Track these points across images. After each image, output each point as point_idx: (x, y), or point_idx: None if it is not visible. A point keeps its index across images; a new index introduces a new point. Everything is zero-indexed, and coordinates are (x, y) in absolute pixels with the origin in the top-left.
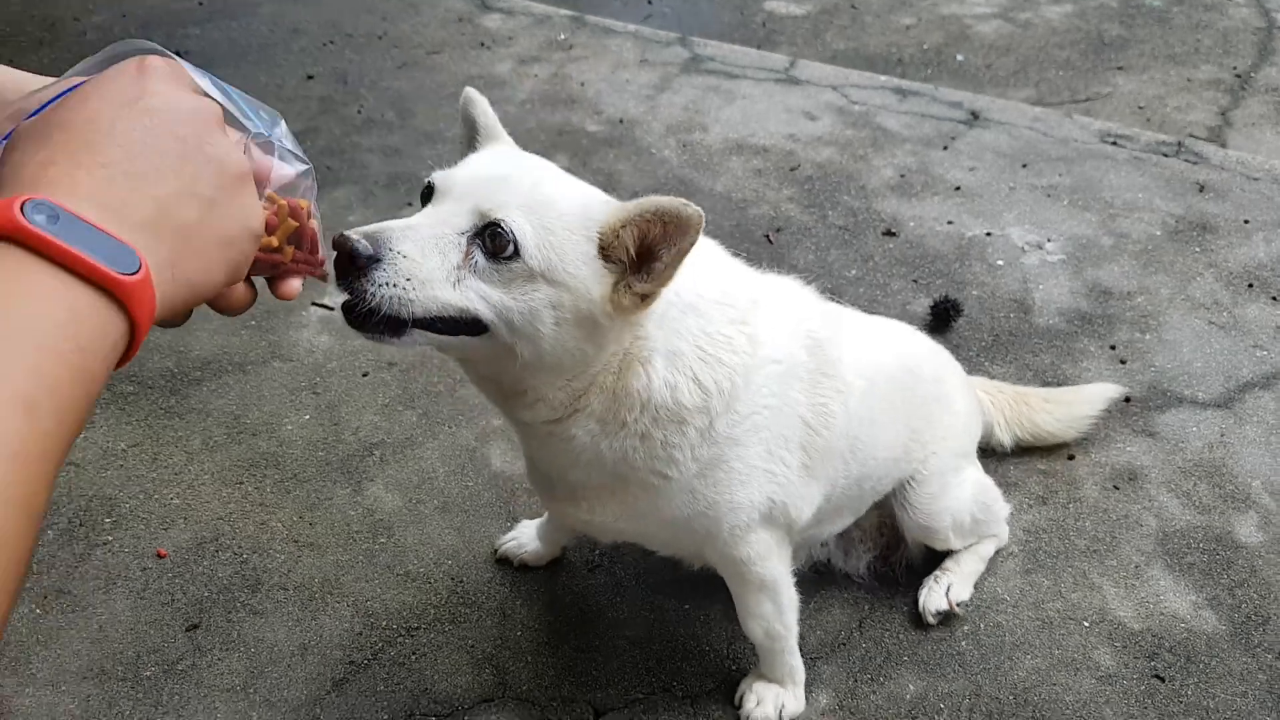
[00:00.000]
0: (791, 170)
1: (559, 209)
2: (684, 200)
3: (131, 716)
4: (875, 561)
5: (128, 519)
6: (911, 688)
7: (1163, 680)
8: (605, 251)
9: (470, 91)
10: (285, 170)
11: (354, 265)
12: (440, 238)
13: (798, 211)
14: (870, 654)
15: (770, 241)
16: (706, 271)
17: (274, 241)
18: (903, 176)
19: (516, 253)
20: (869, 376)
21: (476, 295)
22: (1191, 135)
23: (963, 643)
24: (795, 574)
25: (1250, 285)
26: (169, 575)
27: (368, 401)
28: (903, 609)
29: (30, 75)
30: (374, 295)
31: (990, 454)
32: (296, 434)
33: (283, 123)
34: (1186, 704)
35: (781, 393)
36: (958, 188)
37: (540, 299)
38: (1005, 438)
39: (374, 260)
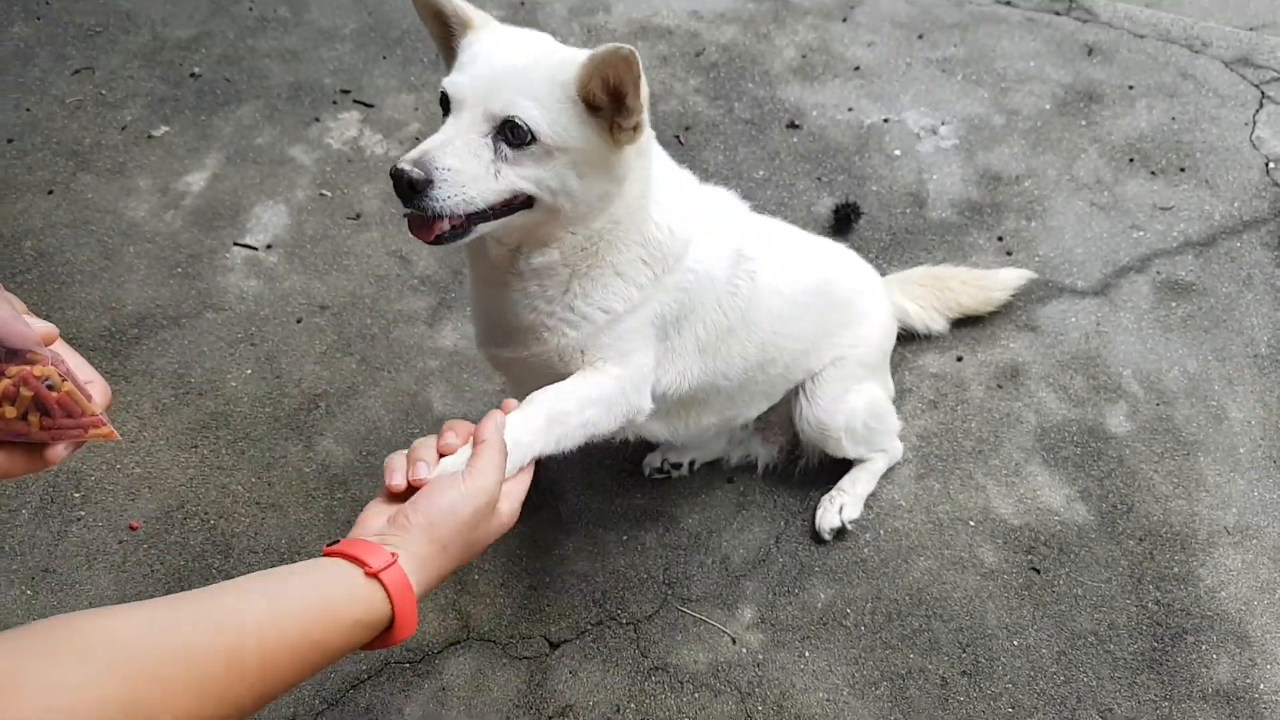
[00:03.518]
0: (697, 55)
1: (549, 87)
2: (615, 44)
3: None
4: (782, 453)
5: (95, 492)
6: (822, 596)
7: (1039, 572)
8: (590, 103)
9: None
10: (19, 330)
11: (414, 190)
12: (470, 144)
13: (705, 105)
14: (787, 567)
15: (681, 143)
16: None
17: (9, 413)
18: (804, 57)
19: (534, 138)
20: (787, 277)
21: (517, 177)
22: None
23: (865, 550)
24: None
25: (1131, 160)
26: (144, 546)
27: (306, 350)
28: (813, 524)
29: None
30: (440, 207)
31: (912, 341)
32: (241, 390)
33: None
34: (1058, 593)
35: (706, 271)
36: (857, 68)
37: (564, 164)
38: (941, 324)
39: (428, 182)
